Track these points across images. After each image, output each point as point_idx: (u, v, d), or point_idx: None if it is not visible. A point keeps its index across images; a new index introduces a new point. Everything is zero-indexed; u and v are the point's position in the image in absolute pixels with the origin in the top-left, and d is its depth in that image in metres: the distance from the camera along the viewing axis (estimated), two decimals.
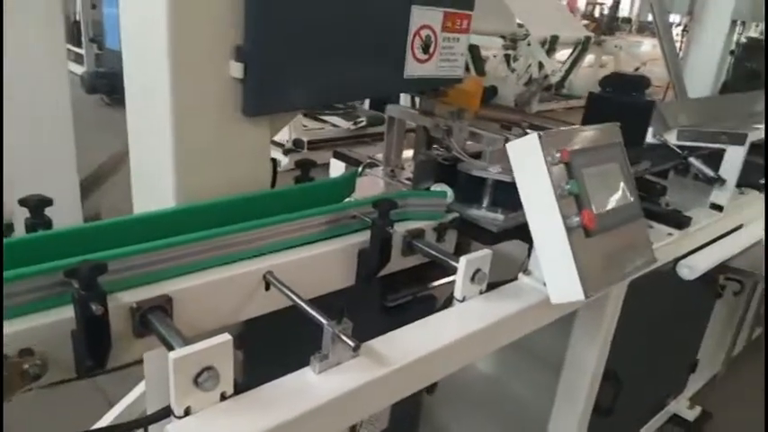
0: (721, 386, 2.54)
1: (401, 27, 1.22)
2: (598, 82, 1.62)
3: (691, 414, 2.35)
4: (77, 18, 7.77)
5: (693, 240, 1.67)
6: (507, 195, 1.30)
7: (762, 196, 1.98)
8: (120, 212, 1.01)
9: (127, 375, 1.87)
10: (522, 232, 1.32)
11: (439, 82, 1.37)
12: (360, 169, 1.56)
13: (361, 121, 5.05)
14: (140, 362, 1.39)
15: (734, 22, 4.05)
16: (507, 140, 1.45)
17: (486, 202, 1.33)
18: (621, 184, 1.18)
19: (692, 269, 1.55)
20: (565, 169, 1.06)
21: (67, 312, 0.80)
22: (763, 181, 2.06)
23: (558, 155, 1.04)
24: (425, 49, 1.29)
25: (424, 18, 1.26)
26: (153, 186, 1.11)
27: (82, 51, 7.62)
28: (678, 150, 1.79)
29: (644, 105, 1.54)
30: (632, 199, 1.20)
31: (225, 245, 0.95)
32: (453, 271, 1.11)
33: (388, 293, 1.48)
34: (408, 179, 1.51)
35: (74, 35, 7.90)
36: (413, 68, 1.28)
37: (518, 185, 1.08)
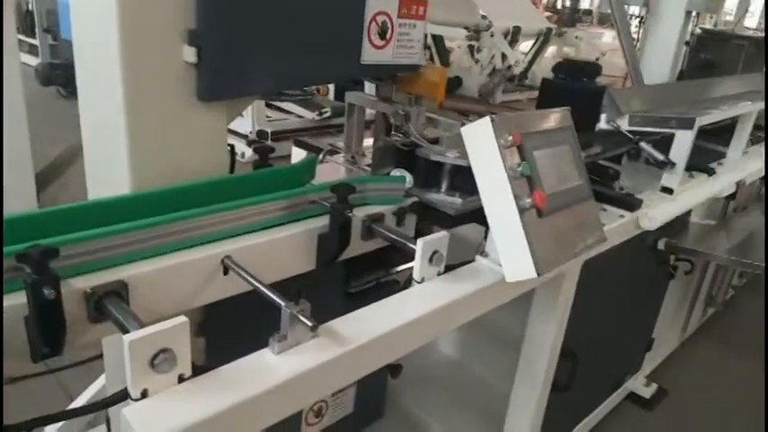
0: (676, 363, 2.65)
1: (357, 12, 1.23)
2: (551, 68, 1.66)
3: (647, 391, 2.44)
4: (30, 8, 7.52)
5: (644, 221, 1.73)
6: (464, 179, 1.33)
7: (710, 179, 2.06)
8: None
9: (89, 371, 1.86)
10: (479, 215, 1.36)
11: (396, 68, 1.39)
12: (321, 156, 1.57)
13: (326, 112, 5.04)
14: (101, 356, 1.38)
15: (688, 14, 4.17)
16: (464, 126, 1.48)
17: (444, 187, 1.36)
18: (572, 167, 1.22)
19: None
20: (517, 152, 1.09)
21: (21, 298, 0.79)
22: (712, 164, 2.14)
23: (510, 138, 1.07)
24: (382, 35, 1.30)
25: (380, 4, 1.27)
26: (107, 174, 1.10)
27: (36, 42, 7.38)
28: (630, 135, 1.85)
29: (595, 91, 1.58)
30: (582, 181, 1.24)
31: (181, 230, 0.95)
32: (414, 255, 1.13)
33: (352, 280, 1.50)
34: (369, 165, 1.52)
35: (27, 25, 7.64)
36: (370, 54, 1.29)
37: (473, 168, 1.11)
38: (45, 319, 0.77)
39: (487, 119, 1.06)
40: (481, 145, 1.08)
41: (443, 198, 1.34)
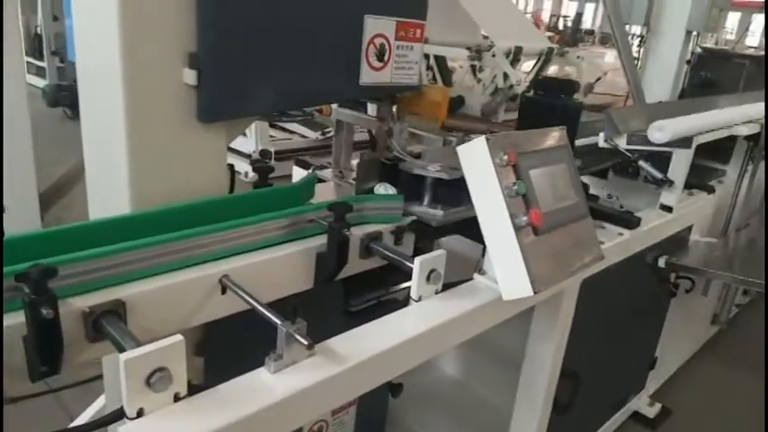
0: (680, 383, 2.62)
1: (355, 35, 1.26)
2: (534, 83, 1.70)
3: (651, 411, 2.41)
4: (39, 31, 7.64)
5: (643, 240, 1.73)
6: (446, 192, 1.37)
7: (709, 197, 2.07)
8: None
9: (90, 392, 1.86)
10: (462, 227, 1.39)
11: (394, 89, 1.41)
12: (310, 171, 1.60)
13: (329, 131, 5.07)
14: (101, 376, 1.38)
15: (689, 33, 4.21)
16: (446, 141, 1.51)
17: (426, 199, 1.39)
18: (568, 185, 1.23)
19: (663, 131, 1.63)
20: (512, 171, 1.11)
21: (20, 317, 0.80)
22: (711, 182, 2.15)
23: (505, 157, 1.08)
24: (380, 57, 1.33)
25: (377, 27, 1.29)
26: (108, 194, 1.11)
27: (44, 64, 7.49)
28: (628, 154, 1.86)
29: (572, 107, 1.61)
30: (579, 199, 1.24)
31: (179, 249, 0.96)
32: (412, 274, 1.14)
33: (352, 298, 1.50)
34: (355, 179, 1.55)
35: (36, 48, 7.76)
36: (368, 76, 1.32)
37: (469, 187, 1.12)
38: (43, 338, 0.78)
39: (483, 138, 1.08)
40: (477, 164, 1.09)
41: (426, 210, 1.37)
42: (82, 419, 1.65)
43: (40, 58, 7.58)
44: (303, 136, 5.27)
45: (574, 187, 1.24)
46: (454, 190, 1.28)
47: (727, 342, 3.07)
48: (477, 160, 1.09)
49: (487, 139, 1.07)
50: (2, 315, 0.77)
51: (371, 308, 1.52)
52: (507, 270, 1.09)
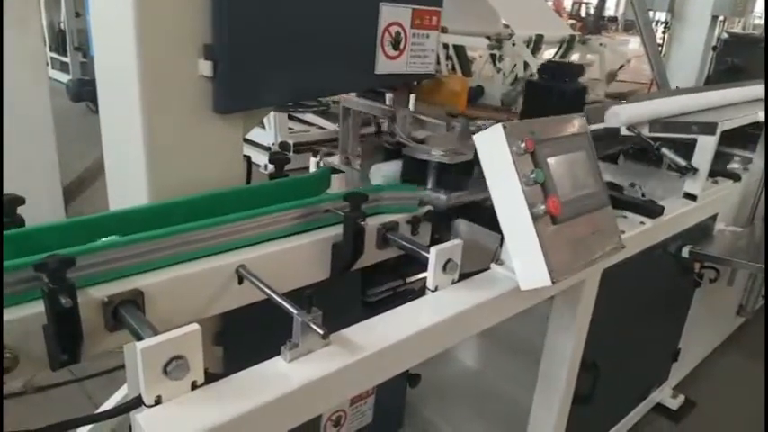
0: (704, 375, 2.58)
1: (371, 24, 1.25)
2: (537, 69, 1.68)
3: (674, 403, 2.38)
4: (62, 27, 7.76)
5: (666, 229, 1.70)
6: (449, 177, 1.38)
7: (735, 185, 2.02)
8: None
9: (114, 381, 1.89)
10: (466, 212, 1.41)
11: (410, 77, 1.40)
12: (318, 158, 1.61)
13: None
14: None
15: (714, 18, 4.11)
16: (449, 126, 1.51)
17: (429, 184, 1.40)
18: (588, 173, 1.21)
19: (618, 116, 1.63)
20: (530, 159, 1.09)
21: (40, 307, 0.81)
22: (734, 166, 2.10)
23: (522, 145, 1.07)
24: (395, 45, 1.31)
25: (393, 15, 1.28)
26: (126, 185, 1.13)
27: (67, 60, 7.61)
28: (650, 141, 1.82)
29: (575, 91, 1.59)
30: (599, 187, 1.22)
31: (197, 239, 0.97)
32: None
33: (369, 288, 1.50)
34: (361, 165, 1.55)
35: (59, 44, 7.88)
36: (384, 65, 1.31)
37: (485, 175, 1.11)
38: (62, 327, 0.79)
39: (499, 126, 1.06)
40: (493, 152, 1.08)
41: (429, 194, 1.37)
42: (105, 408, 1.68)
43: (64, 53, 7.69)
44: (321, 128, 5.28)
45: (594, 176, 1.21)
46: (457, 174, 1.28)
47: (753, 334, 3.01)
48: (493, 148, 1.07)
49: (504, 127, 1.05)
50: (2, 317, 0.77)
51: (388, 298, 1.52)
52: (525, 260, 1.08)
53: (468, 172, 1.46)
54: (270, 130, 4.76)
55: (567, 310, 1.50)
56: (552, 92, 1.59)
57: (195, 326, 0.77)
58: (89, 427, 1.64)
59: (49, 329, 0.80)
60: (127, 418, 1.44)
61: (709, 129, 1.72)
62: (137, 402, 0.79)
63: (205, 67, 1.05)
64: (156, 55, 1.00)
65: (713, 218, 2.00)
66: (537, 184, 1.08)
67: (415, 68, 1.38)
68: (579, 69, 1.64)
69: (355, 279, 1.44)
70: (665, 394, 2.37)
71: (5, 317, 0.79)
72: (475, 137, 1.11)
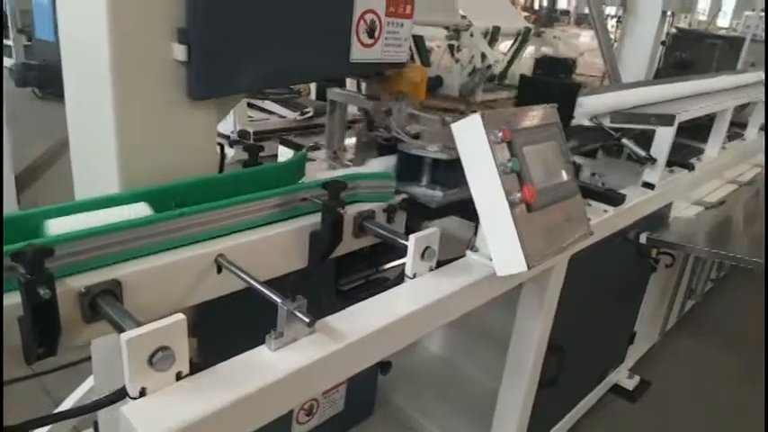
0: (658, 356, 2.70)
1: (346, 11, 1.24)
2: (534, 63, 1.69)
3: (630, 383, 2.48)
4: (3, 8, 7.36)
5: (627, 217, 1.76)
6: (445, 173, 1.37)
7: (689, 174, 2.11)
8: None
9: (74, 376, 1.83)
10: (461, 208, 1.39)
11: (384, 66, 1.40)
12: (304, 153, 1.58)
13: (308, 111, 5.02)
14: (87, 359, 1.36)
15: (664, 14, 4.25)
16: (444, 121, 1.51)
17: (425, 180, 1.38)
18: (560, 162, 1.24)
19: (582, 107, 1.66)
20: (507, 148, 1.11)
21: (15, 298, 0.78)
22: (691, 160, 2.19)
23: (499, 134, 1.08)
24: (370, 33, 1.31)
25: (368, 2, 1.28)
26: (96, 173, 1.09)
27: (10, 43, 7.24)
28: (612, 132, 1.88)
29: (570, 87, 1.61)
30: (570, 176, 1.26)
31: (175, 228, 0.95)
32: (405, 252, 1.14)
33: (342, 277, 1.50)
34: (350, 161, 1.53)
35: (0, 26, 7.49)
36: (359, 52, 1.30)
37: (463, 164, 1.12)
38: (40, 319, 0.76)
39: (477, 115, 1.08)
40: (471, 141, 1.09)
41: (425, 191, 1.37)
42: (68, 403, 1.63)
43: (5, 36, 7.31)
44: (282, 116, 5.20)
45: (565, 165, 1.25)
46: (452, 171, 1.28)
47: (702, 316, 3.17)
48: (471, 137, 1.09)
49: (482, 116, 1.07)
50: (2, 297, 0.75)
51: (361, 286, 1.53)
52: (502, 246, 1.10)
53: (460, 168, 1.44)
54: (229, 118, 4.66)
55: (535, 296, 1.54)
56: (549, 87, 1.60)
57: (180, 316, 0.76)
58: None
59: (26, 322, 0.77)
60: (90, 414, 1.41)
61: (667, 120, 1.78)
62: (120, 395, 0.77)
63: (179, 51, 1.02)
64: (128, 37, 0.97)
65: (668, 206, 2.09)
66: (513, 172, 1.10)
67: (389, 56, 1.38)
68: (572, 64, 1.66)
69: (329, 268, 1.44)
70: (621, 376, 2.47)
71: None
72: (453, 126, 1.13)
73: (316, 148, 1.60)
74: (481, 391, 1.92)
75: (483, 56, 6.55)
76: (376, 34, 1.32)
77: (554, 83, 1.60)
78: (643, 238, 1.93)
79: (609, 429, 2.31)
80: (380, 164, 1.40)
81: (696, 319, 3.11)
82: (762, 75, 3.18)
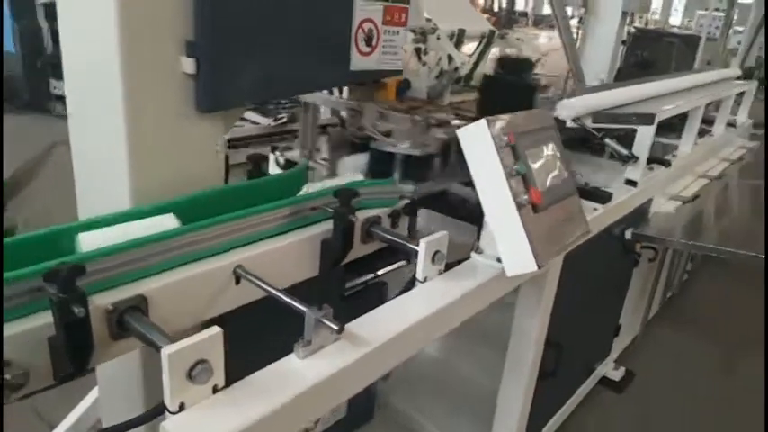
0: (640, 347, 2.79)
1: (346, 21, 1.26)
2: (496, 62, 1.75)
3: (617, 375, 2.56)
4: None
5: (614, 213, 1.83)
6: (416, 168, 1.43)
7: (666, 171, 2.19)
8: (40, 224, 0.92)
9: (65, 397, 1.79)
10: (431, 202, 1.48)
11: (381, 74, 1.42)
12: (278, 153, 1.62)
13: (282, 118, 4.99)
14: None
15: (624, 14, 4.38)
16: (413, 120, 1.57)
17: (397, 176, 1.46)
18: (558, 164, 1.28)
19: (567, 108, 1.73)
20: (511, 151, 1.14)
21: (41, 319, 0.77)
22: (668, 157, 2.27)
23: (505, 138, 1.12)
24: (368, 42, 1.33)
25: (366, 12, 1.30)
26: (105, 188, 1.08)
27: None
28: (594, 132, 1.94)
29: (529, 85, 1.67)
30: (568, 176, 1.30)
31: (195, 240, 0.95)
32: (406, 255, 1.18)
33: (342, 283, 1.51)
34: (324, 159, 1.58)
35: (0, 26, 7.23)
36: (358, 61, 1.32)
37: (470, 168, 1.15)
38: (74, 337, 0.76)
39: (483, 121, 1.11)
40: (478, 146, 1.12)
41: (399, 186, 1.42)
42: (70, 420, 1.59)
43: None
44: (254, 122, 5.16)
45: (563, 166, 1.29)
46: (423, 166, 1.33)
47: (679, 306, 3.29)
48: (478, 142, 1.12)
49: (488, 122, 1.10)
50: (2, 320, 0.74)
51: (361, 291, 1.54)
52: (511, 247, 1.13)
53: (429, 164, 1.51)
54: (235, 123, 4.59)
55: (533, 295, 1.58)
56: (510, 86, 1.65)
57: (217, 328, 0.77)
58: None
59: (59, 341, 0.76)
60: None
61: (648, 119, 1.85)
62: (158, 411, 0.77)
63: (188, 64, 1.03)
64: (139, 52, 0.97)
65: (649, 202, 2.16)
66: (519, 175, 1.13)
67: (385, 64, 1.40)
68: (531, 64, 1.72)
69: (337, 274, 1.45)
70: (608, 368, 2.54)
71: (8, 332, 0.75)
72: (458, 132, 1.15)
73: (288, 148, 1.64)
74: (479, 390, 1.95)
75: (450, 58, 6.63)
76: (374, 43, 1.35)
77: (516, 82, 1.66)
78: (628, 234, 2.00)
79: (599, 420, 2.38)
80: (353, 161, 1.45)
81: (674, 310, 3.23)
82: (725, 73, 3.32)
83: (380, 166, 1.48)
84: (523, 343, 1.63)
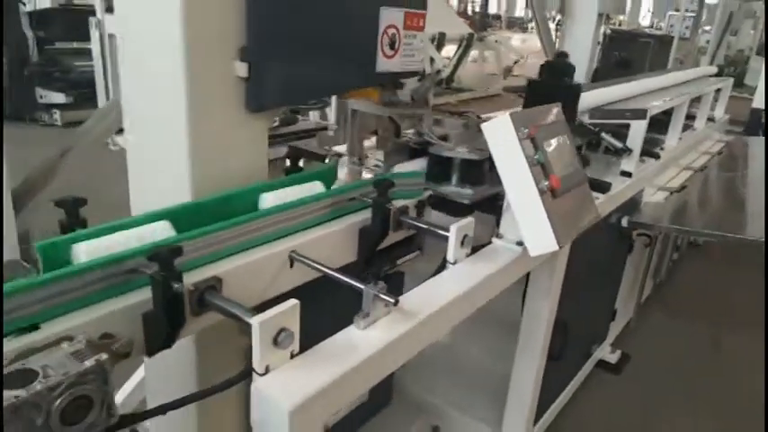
0: (634, 330, 2.94)
1: (374, 26, 1.36)
2: (540, 68, 1.85)
3: (613, 357, 2.70)
4: None
5: (613, 202, 1.96)
6: (474, 172, 1.50)
7: (656, 162, 2.34)
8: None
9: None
10: (486, 204, 1.54)
11: (403, 75, 1.53)
12: (328, 161, 1.69)
13: (274, 121, 5.08)
14: None
15: (600, 15, 4.55)
16: (466, 125, 1.65)
17: (455, 179, 1.51)
18: (570, 154, 1.40)
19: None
20: (531, 143, 1.26)
21: (135, 297, 0.87)
22: (655, 149, 2.42)
23: (526, 131, 1.23)
24: (392, 45, 1.44)
25: (390, 18, 1.40)
26: (164, 183, 1.17)
27: None
28: (591, 128, 2.08)
29: (574, 89, 1.78)
30: (579, 166, 1.42)
31: (259, 227, 1.05)
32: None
33: (364, 272, 1.61)
34: (376, 166, 1.65)
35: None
36: (383, 64, 1.43)
37: (494, 159, 1.27)
38: (170, 312, 0.85)
39: (507, 116, 1.22)
40: (502, 139, 1.24)
41: (456, 190, 1.50)
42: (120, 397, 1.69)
43: None
44: None
45: (574, 156, 1.41)
46: (479, 170, 1.41)
47: (667, 291, 3.47)
48: (502, 135, 1.23)
49: (511, 116, 1.22)
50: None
51: (382, 279, 1.64)
52: (534, 230, 1.25)
53: (482, 167, 1.57)
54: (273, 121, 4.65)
55: (543, 279, 1.70)
56: (556, 90, 1.74)
57: (294, 300, 0.86)
58: None
59: (156, 315, 0.85)
60: None
61: (640, 114, 1.99)
62: (243, 375, 0.86)
63: (241, 69, 1.12)
64: (201, 57, 1.06)
65: (641, 192, 2.31)
66: (539, 164, 1.25)
67: (406, 66, 1.51)
68: (573, 68, 1.82)
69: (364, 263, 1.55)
70: (605, 351, 2.68)
71: (110, 307, 0.84)
72: (483, 126, 1.27)
73: (339, 155, 1.71)
74: (490, 371, 2.06)
75: (432, 61, 6.73)
76: (396, 46, 1.45)
77: (560, 85, 1.76)
78: (625, 222, 2.14)
79: (600, 401, 2.51)
80: (413, 167, 1.53)
81: (663, 294, 3.41)
82: (702, 70, 3.50)
83: (439, 169, 1.53)
84: (534, 325, 1.75)
